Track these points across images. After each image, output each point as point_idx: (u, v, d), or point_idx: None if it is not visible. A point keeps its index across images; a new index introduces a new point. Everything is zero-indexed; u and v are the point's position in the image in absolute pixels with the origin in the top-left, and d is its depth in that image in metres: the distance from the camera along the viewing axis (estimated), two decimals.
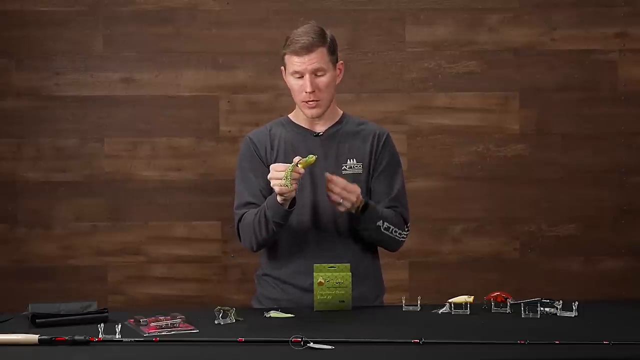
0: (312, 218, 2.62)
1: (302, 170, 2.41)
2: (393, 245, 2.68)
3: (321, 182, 2.61)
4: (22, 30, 3.80)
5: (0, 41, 3.80)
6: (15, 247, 3.82)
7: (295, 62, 2.59)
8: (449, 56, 3.86)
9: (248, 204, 2.63)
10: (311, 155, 2.43)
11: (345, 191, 2.49)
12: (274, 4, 3.82)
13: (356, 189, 2.51)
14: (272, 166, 2.46)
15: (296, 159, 2.42)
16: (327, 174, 2.50)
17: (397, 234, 2.64)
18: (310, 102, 2.60)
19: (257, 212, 2.56)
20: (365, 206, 2.55)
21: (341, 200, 2.49)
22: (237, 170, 2.72)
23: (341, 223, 2.64)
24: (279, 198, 2.46)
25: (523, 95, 3.86)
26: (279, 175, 2.41)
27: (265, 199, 2.57)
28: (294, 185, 2.40)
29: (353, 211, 2.53)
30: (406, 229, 2.69)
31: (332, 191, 2.49)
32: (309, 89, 2.58)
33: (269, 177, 2.45)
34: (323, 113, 2.65)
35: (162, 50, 3.83)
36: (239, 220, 2.64)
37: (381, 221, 2.58)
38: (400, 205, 2.68)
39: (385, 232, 2.60)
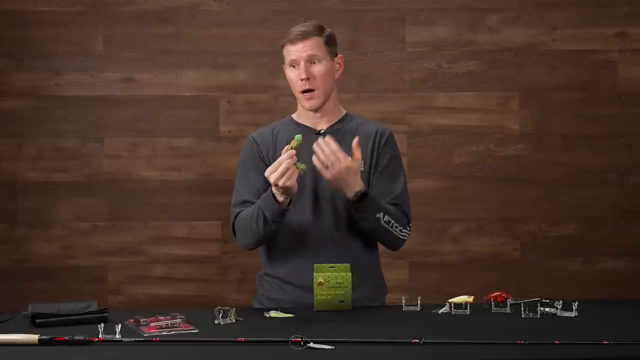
0: (312, 217, 2.62)
1: (293, 152, 2.42)
2: (393, 241, 2.65)
3: (322, 181, 2.61)
4: (22, 30, 3.80)
5: (0, 41, 3.80)
6: (15, 247, 3.82)
7: (291, 52, 2.63)
8: (449, 56, 3.86)
9: (245, 202, 2.63)
10: (297, 135, 2.45)
11: (334, 156, 2.47)
12: (274, 4, 3.82)
13: (348, 162, 2.48)
14: (267, 170, 2.45)
15: (284, 150, 2.43)
16: (320, 139, 2.49)
17: (398, 231, 2.61)
18: (307, 93, 2.62)
19: (253, 211, 2.55)
20: (364, 195, 2.52)
21: (328, 164, 2.47)
22: (237, 169, 2.73)
23: (342, 222, 2.64)
24: (279, 197, 2.46)
25: (523, 95, 3.86)
26: (280, 171, 2.41)
27: None
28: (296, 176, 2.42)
29: (352, 196, 2.50)
30: (408, 228, 2.67)
31: (321, 152, 2.47)
32: (303, 76, 2.60)
33: (272, 180, 2.43)
34: (321, 105, 2.66)
35: (162, 50, 3.83)
36: (235, 218, 2.64)
37: (381, 213, 2.55)
38: (402, 204, 2.66)
39: (385, 225, 2.56)
